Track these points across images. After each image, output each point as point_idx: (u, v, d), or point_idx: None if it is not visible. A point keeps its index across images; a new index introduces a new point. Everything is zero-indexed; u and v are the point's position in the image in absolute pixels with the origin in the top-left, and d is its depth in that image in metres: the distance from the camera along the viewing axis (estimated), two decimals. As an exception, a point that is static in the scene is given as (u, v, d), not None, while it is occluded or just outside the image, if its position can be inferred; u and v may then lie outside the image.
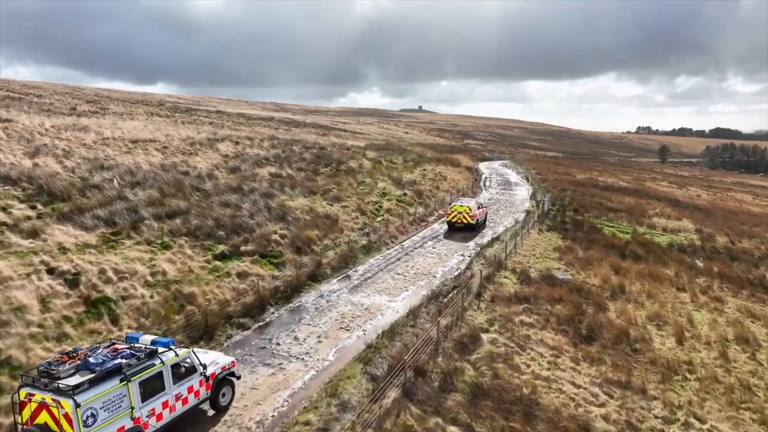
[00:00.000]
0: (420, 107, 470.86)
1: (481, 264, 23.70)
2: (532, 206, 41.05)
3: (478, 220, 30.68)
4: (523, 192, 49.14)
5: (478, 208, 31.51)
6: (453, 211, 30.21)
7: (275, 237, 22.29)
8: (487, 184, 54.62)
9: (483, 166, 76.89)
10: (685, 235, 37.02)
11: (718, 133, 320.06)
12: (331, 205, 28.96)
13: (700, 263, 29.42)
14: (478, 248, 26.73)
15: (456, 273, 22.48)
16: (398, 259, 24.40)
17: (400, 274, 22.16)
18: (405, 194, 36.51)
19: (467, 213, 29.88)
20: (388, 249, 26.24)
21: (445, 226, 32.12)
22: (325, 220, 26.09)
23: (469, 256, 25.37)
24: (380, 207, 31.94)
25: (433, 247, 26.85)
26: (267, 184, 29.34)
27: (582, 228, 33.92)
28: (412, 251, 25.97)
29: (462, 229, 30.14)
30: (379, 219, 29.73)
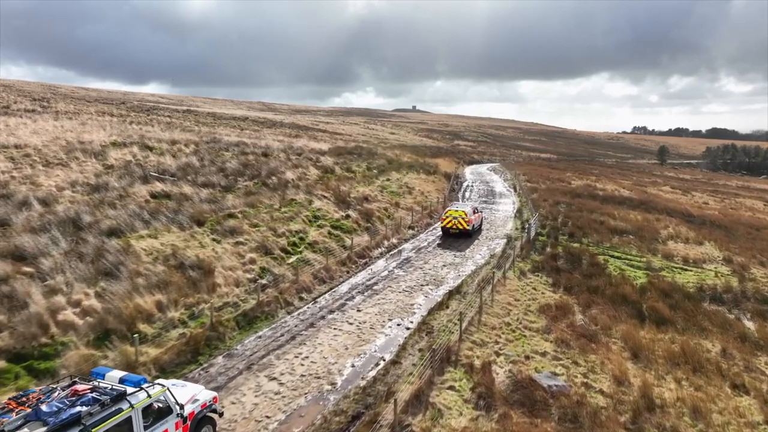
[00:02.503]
0: (414, 107, 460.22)
1: (419, 350, 14.50)
2: (516, 229, 31.85)
3: (473, 225, 28.87)
4: (507, 207, 39.93)
5: (474, 212, 29.50)
6: (448, 216, 28.31)
7: (66, 315, 13.05)
8: (467, 195, 45.39)
9: (468, 171, 67.93)
10: (714, 269, 27.90)
11: (715, 133, 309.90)
12: (218, 241, 19.71)
13: (749, 323, 20.31)
14: (426, 312, 17.52)
15: (371, 375, 13.23)
16: (292, 339, 15.17)
17: (275, 378, 12.91)
18: (347, 216, 27.27)
19: (462, 218, 27.90)
20: (289, 314, 17.02)
21: (393, 264, 23.00)
22: (191, 271, 16.84)
23: (408, 328, 16.17)
24: (302, 239, 22.70)
25: (359, 309, 17.63)
26: (132, 210, 20.11)
27: (579, 264, 24.73)
28: (323, 319, 16.74)
29: (457, 236, 28.29)
30: (291, 260, 20.50)
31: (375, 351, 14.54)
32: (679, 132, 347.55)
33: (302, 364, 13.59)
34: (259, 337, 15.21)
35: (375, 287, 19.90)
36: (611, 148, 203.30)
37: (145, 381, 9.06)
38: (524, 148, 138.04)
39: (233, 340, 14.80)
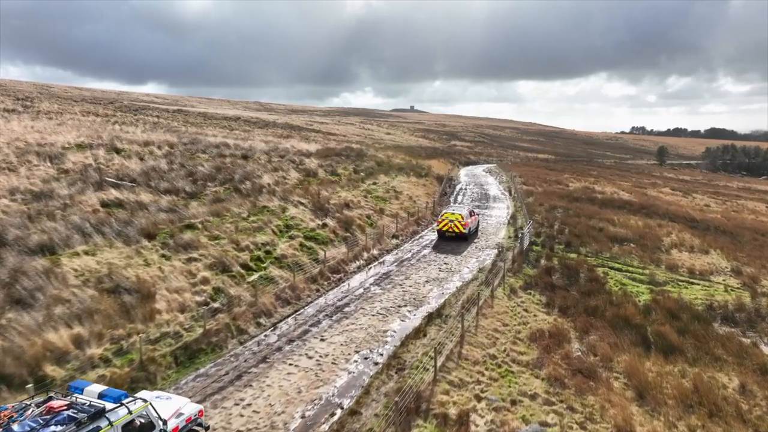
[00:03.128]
0: (412, 107, 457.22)
1: (385, 395, 12.15)
2: (509, 237, 29.51)
3: (470, 228, 28.00)
4: (501, 212, 37.60)
5: (470, 215, 28.64)
6: (444, 219, 27.52)
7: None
8: (459, 199, 43.05)
9: (463, 173, 65.66)
10: (723, 281, 25.64)
11: (714, 133, 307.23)
12: (168, 258, 17.35)
13: (767, 348, 17.99)
14: (399, 342, 15.15)
15: (323, 430, 10.87)
16: (237, 378, 12.81)
17: (204, 435, 10.59)
18: (324, 225, 24.91)
19: (459, 222, 27.05)
20: (241, 344, 14.67)
21: (370, 280, 20.66)
22: (127, 295, 14.49)
23: (376, 363, 13.81)
24: (268, 253, 20.33)
25: (323, 337, 15.27)
26: (74, 221, 17.75)
27: (576, 279, 22.40)
28: (279, 351, 14.37)
29: (454, 239, 27.37)
30: (252, 278, 18.12)
31: (333, 395, 12.17)
32: (678, 132, 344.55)
33: (242, 415, 11.23)
34: (200, 376, 12.85)
35: (346, 309, 17.55)
36: (610, 148, 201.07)
37: (126, 396, 8.54)
38: (522, 149, 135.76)
39: (167, 381, 12.44)
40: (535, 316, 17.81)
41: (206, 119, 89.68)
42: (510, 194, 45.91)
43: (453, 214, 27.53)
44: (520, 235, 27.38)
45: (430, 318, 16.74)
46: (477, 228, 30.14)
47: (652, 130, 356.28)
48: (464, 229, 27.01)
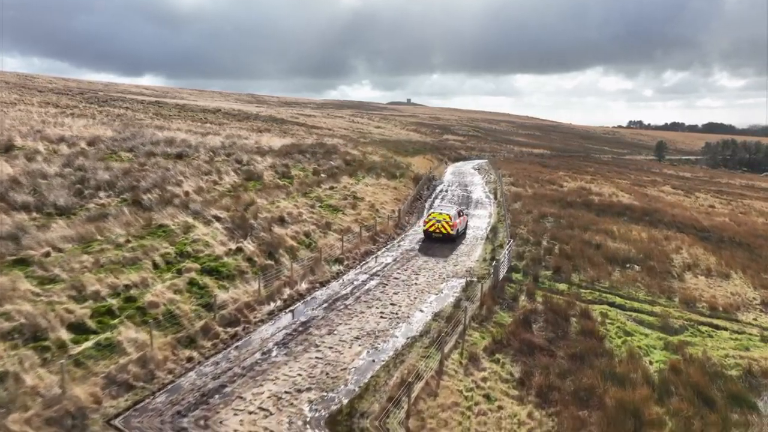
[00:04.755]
0: (408, 100, 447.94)
1: None
2: (485, 259, 23.30)
3: (458, 229, 26.34)
4: (482, 222, 31.37)
5: (459, 215, 26.95)
6: (431, 219, 25.87)
7: None
8: (436, 204, 36.80)
9: (449, 171, 59.46)
10: (755, 321, 19.60)
11: (712, 127, 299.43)
12: (-65, 325, 11.17)
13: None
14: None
15: None
16: None
17: None
18: (238, 250, 18.67)
19: (446, 222, 25.43)
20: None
21: (277, 337, 14.51)
22: None
23: None
24: (131, 300, 14.11)
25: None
26: None
27: (566, 331, 16.17)
28: None
29: (442, 240, 25.47)
30: (82, 348, 11.92)
31: None
32: (676, 126, 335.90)
33: None
34: None
35: (214, 398, 11.38)
36: (607, 143, 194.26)
37: None
38: (517, 143, 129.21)
39: None
40: (499, 409, 11.61)
41: (181, 111, 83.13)
42: (496, 198, 39.66)
43: (441, 214, 25.91)
44: (495, 263, 21.13)
45: (334, 422, 10.58)
46: (465, 229, 28.45)
47: (649, 124, 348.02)
48: (452, 230, 25.38)
